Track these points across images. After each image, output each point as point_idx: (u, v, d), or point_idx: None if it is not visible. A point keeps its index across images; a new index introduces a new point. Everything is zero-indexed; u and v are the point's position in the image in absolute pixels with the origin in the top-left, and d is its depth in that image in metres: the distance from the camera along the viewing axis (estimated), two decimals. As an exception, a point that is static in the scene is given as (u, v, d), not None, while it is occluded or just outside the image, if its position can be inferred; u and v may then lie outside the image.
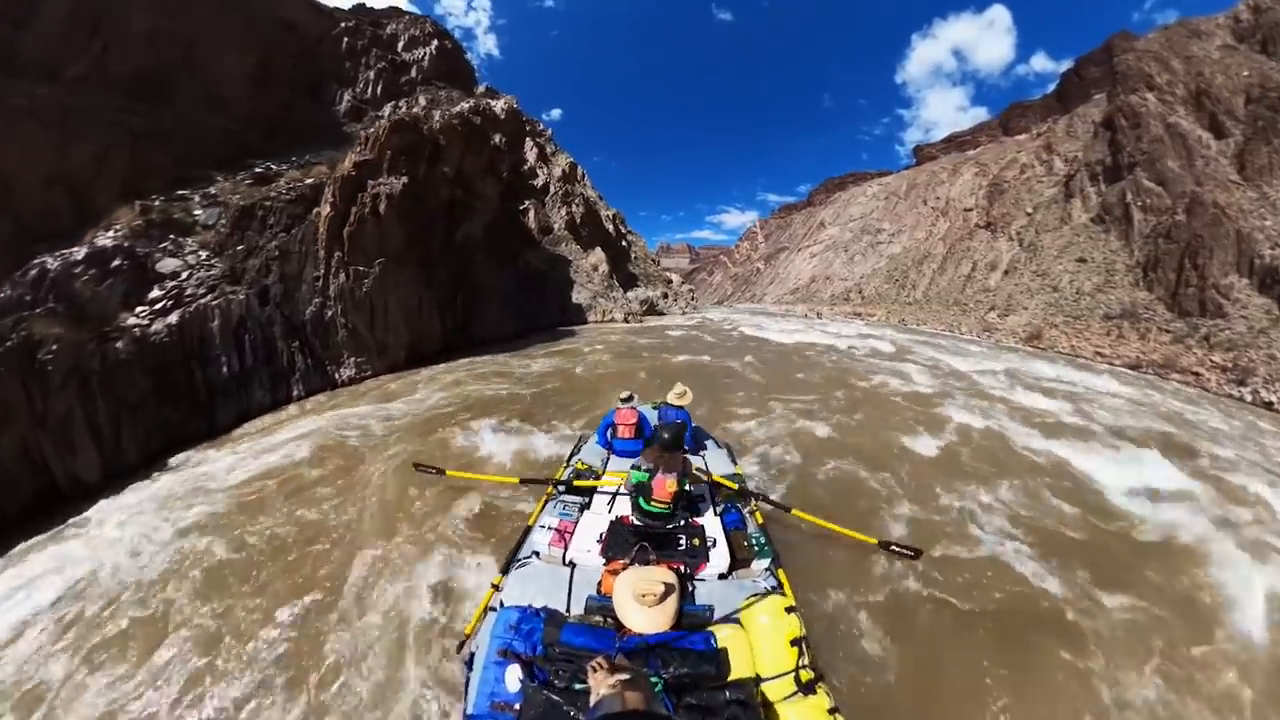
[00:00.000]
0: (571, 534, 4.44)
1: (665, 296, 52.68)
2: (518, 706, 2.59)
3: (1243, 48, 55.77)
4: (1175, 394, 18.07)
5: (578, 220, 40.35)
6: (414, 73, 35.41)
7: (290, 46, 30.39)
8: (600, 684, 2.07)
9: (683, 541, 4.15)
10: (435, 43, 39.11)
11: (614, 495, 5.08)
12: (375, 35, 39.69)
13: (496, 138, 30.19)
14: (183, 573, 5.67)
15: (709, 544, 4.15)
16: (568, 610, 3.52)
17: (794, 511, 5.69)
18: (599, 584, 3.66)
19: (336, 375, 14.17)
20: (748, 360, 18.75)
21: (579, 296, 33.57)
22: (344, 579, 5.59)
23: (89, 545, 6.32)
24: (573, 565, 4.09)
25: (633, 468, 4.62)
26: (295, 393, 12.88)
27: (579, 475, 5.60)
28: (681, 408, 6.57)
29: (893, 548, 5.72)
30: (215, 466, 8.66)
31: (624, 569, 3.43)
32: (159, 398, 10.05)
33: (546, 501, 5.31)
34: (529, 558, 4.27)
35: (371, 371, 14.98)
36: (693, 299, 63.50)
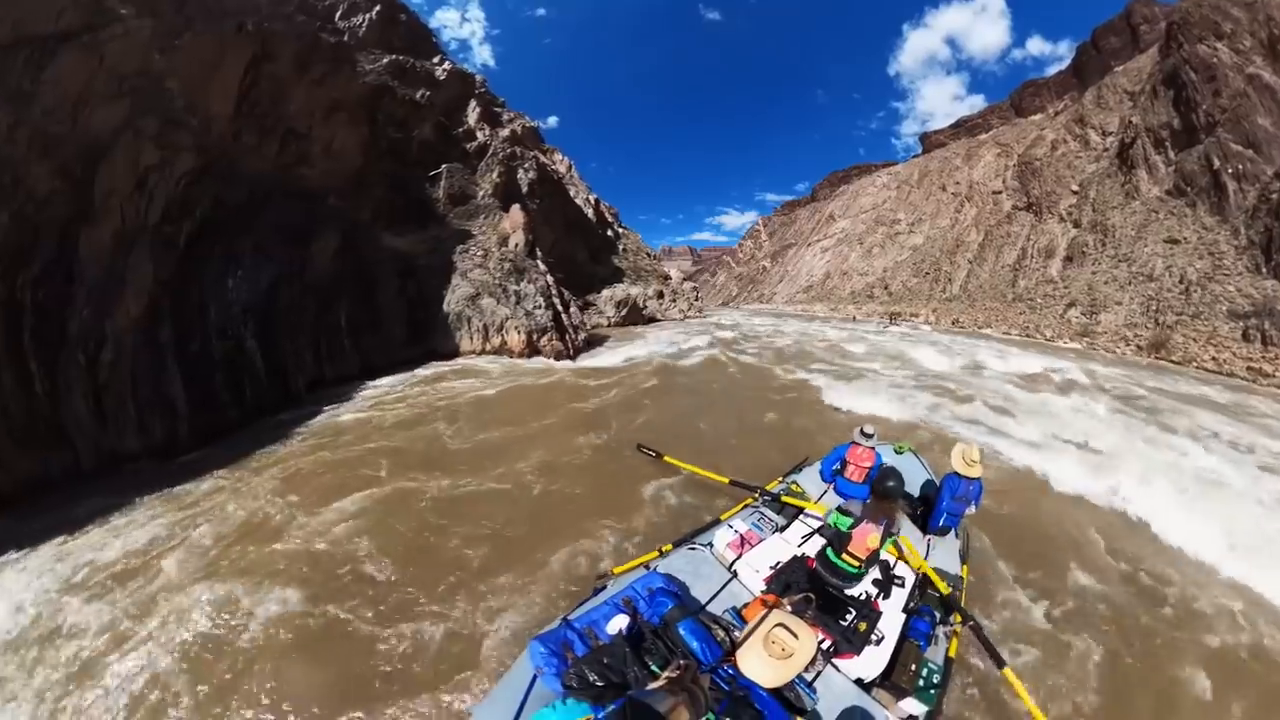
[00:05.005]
0: (752, 547, 4.26)
1: (660, 296, 42.27)
2: (601, 643, 2.86)
3: (1304, -12, 48.78)
4: None
5: (524, 189, 28.22)
6: (346, 38, 28.46)
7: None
8: (669, 680, 2.10)
9: (849, 617, 3.57)
10: (378, 9, 32.41)
11: (814, 532, 4.60)
12: (303, 3, 33.00)
13: (419, 93, 22.94)
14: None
15: (873, 638, 3.51)
16: (702, 608, 3.44)
17: (1006, 672, 3.86)
18: (745, 605, 3.48)
19: None
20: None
21: (453, 301, 18.36)
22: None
23: None
24: (734, 574, 4.02)
25: (838, 509, 3.90)
26: None
27: (788, 495, 5.33)
28: (975, 479, 5.04)
29: None
30: None
31: (776, 606, 3.13)
32: None
33: (745, 507, 5.26)
34: (703, 546, 4.34)
35: None
36: (697, 299, 52.05)
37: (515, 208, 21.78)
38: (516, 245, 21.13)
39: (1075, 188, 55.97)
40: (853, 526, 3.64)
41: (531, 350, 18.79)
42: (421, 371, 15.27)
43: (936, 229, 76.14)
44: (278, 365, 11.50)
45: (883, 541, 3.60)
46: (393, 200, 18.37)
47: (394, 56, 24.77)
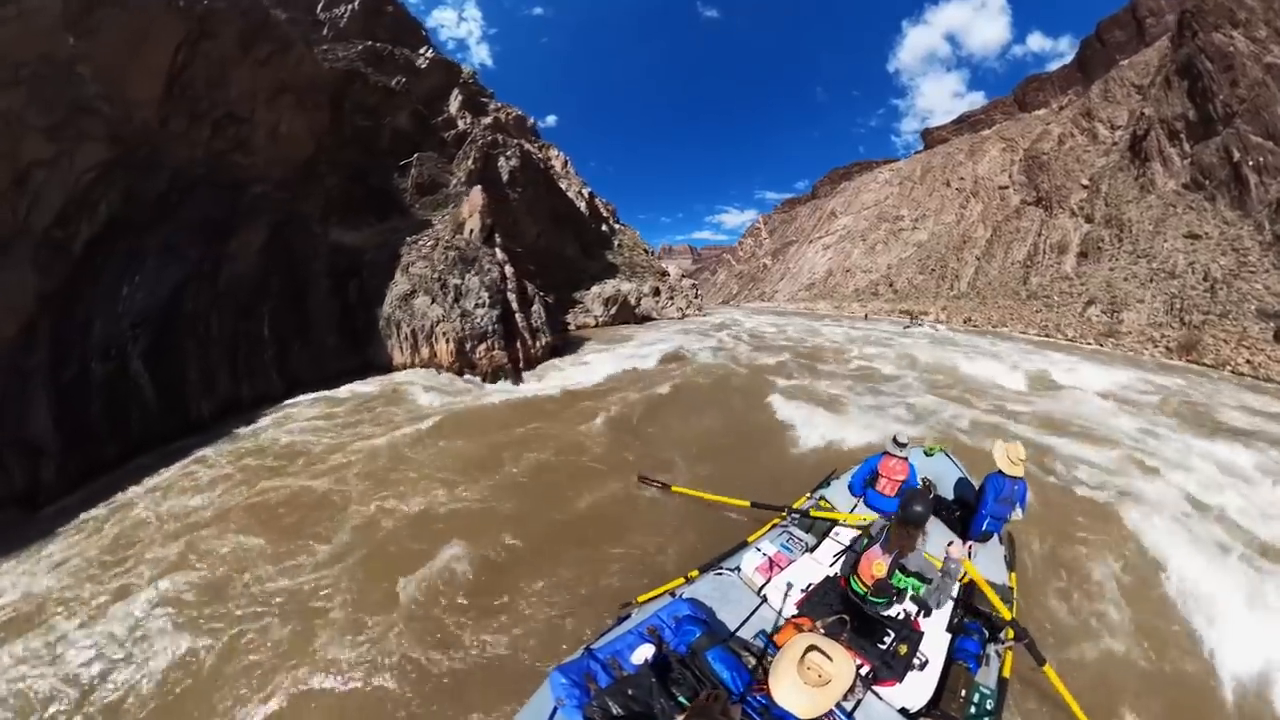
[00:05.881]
0: (781, 569, 4.12)
1: (656, 293, 39.60)
2: (626, 674, 2.68)
3: (1315, -25, 47.28)
4: None
5: (505, 177, 25.85)
6: (325, 31, 26.88)
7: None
8: (698, 712, 2.05)
9: (888, 639, 3.30)
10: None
11: (846, 550, 4.20)
12: (284, -6, 31.35)
13: (395, 80, 21.28)
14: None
15: (916, 662, 3.23)
16: (732, 635, 3.23)
17: (1047, 669, 3.72)
18: (777, 630, 3.16)
19: None
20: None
21: (390, 301, 15.25)
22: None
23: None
24: (764, 598, 3.76)
25: (867, 529, 3.64)
26: None
27: (817, 510, 5.03)
28: (1020, 479, 4.61)
29: None
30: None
31: (810, 629, 2.94)
32: None
33: (773, 527, 4.88)
34: (731, 571, 4.11)
35: None
36: (696, 296, 49.19)
37: (476, 189, 18.60)
38: (471, 231, 17.15)
39: (1085, 182, 54.44)
40: (866, 547, 3.38)
41: (463, 364, 14.59)
42: (346, 389, 12.48)
43: (941, 225, 74.64)
44: (177, 387, 9.56)
45: (890, 573, 3.23)
46: (351, 190, 16.37)
47: (369, 42, 23.16)
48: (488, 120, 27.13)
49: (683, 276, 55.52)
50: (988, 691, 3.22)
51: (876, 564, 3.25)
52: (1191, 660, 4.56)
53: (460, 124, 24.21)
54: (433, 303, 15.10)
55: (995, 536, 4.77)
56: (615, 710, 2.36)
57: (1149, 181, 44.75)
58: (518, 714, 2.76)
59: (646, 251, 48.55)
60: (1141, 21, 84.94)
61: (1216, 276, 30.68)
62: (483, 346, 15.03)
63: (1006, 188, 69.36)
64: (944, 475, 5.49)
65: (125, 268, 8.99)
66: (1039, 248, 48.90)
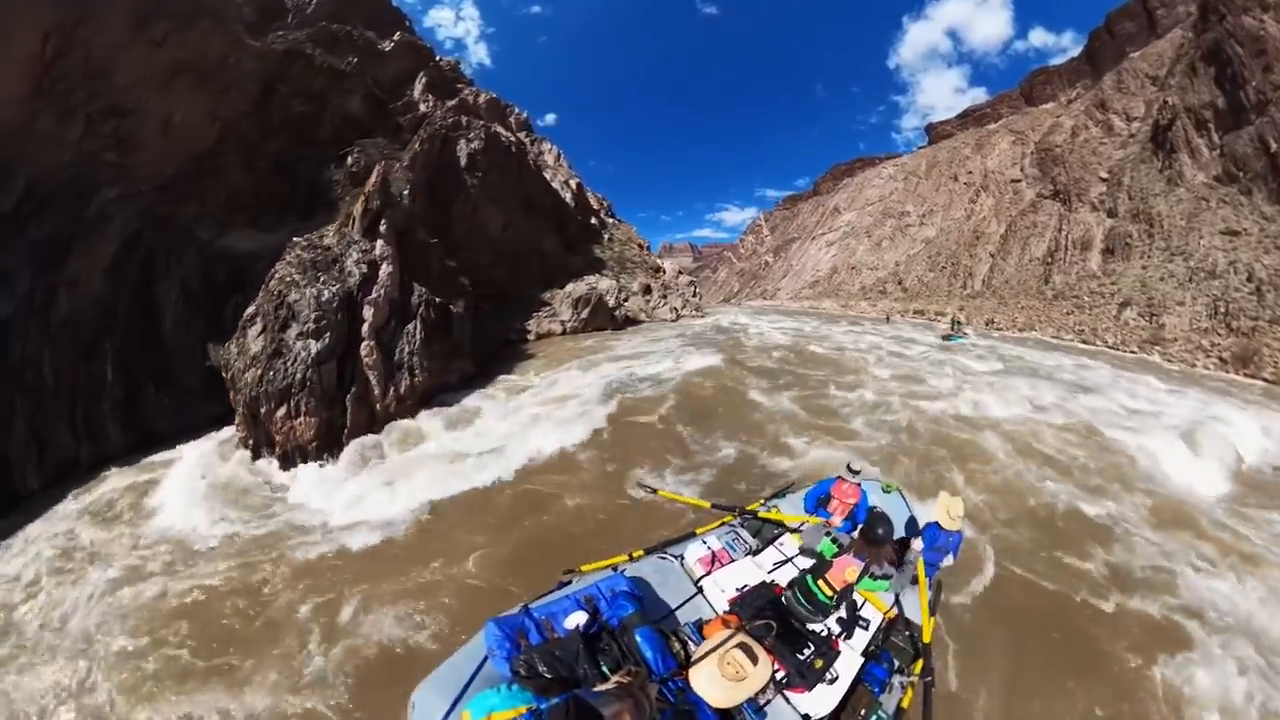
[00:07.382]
0: (722, 566, 4.26)
1: (646, 292, 34.55)
2: (556, 636, 2.88)
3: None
4: None
5: (463, 161, 22.31)
6: (290, 20, 24.38)
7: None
8: (618, 685, 2.10)
9: (807, 652, 3.49)
10: (332, -22, 28.30)
11: (787, 560, 4.53)
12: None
13: (349, 61, 18.88)
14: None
15: (828, 676, 3.43)
16: (663, 619, 3.46)
17: None
18: (706, 623, 3.46)
19: None
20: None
21: (234, 336, 11.87)
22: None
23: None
24: (700, 590, 3.99)
25: (826, 534, 4.06)
26: None
27: (765, 520, 5.23)
28: (956, 532, 4.81)
29: None
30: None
31: (737, 627, 3.08)
32: None
33: (722, 525, 5.11)
34: (674, 558, 4.29)
35: None
36: (695, 295, 43.69)
37: (378, 166, 14.11)
38: (353, 219, 12.69)
39: (1104, 175, 52.15)
40: (836, 555, 3.67)
41: (258, 437, 9.81)
42: (167, 456, 9.14)
43: (950, 220, 72.32)
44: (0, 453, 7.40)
45: (859, 579, 3.58)
46: (270, 185, 13.98)
47: (323, 23, 20.73)
48: (452, 102, 24.30)
49: (680, 273, 50.38)
50: (885, 716, 3.38)
51: (850, 570, 3.55)
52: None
53: (422, 107, 21.64)
54: (261, 333, 10.36)
55: (936, 588, 5.02)
56: (540, 668, 2.46)
57: (1176, 174, 42.41)
58: (450, 658, 2.84)
59: (641, 247, 44.76)
60: (1152, 13, 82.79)
61: (1262, 278, 28.36)
62: (281, 411, 9.63)
63: (1019, 181, 67.10)
64: (895, 514, 5.48)
65: None
66: (1060, 244, 46.59)
